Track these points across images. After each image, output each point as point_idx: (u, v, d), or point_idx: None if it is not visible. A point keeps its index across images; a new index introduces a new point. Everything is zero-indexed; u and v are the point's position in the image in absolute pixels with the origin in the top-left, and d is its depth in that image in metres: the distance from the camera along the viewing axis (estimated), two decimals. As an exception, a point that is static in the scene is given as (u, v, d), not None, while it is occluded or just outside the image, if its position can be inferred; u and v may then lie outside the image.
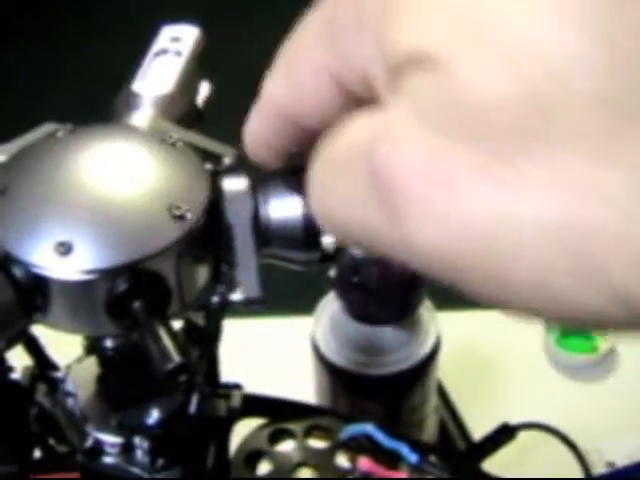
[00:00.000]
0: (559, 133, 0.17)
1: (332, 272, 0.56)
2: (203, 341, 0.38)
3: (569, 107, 0.17)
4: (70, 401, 0.40)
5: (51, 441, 0.42)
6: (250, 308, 0.34)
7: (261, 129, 0.27)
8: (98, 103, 0.40)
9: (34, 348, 0.40)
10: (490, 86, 0.17)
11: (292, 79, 0.25)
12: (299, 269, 0.35)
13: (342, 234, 0.23)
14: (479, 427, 0.66)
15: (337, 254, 0.35)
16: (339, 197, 0.22)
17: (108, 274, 0.31)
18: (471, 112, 0.18)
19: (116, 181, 0.33)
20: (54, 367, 0.41)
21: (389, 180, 0.19)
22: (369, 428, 0.43)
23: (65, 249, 0.31)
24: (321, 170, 0.23)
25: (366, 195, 0.20)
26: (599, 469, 0.68)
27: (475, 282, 0.19)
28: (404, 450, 0.43)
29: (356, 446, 0.44)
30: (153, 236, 0.32)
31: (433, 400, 0.62)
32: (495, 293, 0.19)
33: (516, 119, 0.17)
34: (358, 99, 0.23)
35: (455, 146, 0.18)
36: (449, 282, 0.20)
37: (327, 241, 0.35)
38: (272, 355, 0.75)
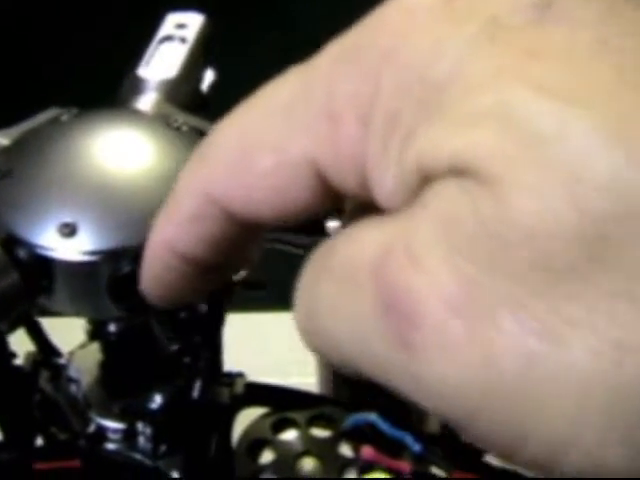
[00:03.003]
0: (613, 280, 0.15)
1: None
2: (205, 328, 0.38)
3: (630, 255, 0.15)
4: (73, 387, 0.40)
5: (53, 429, 0.42)
6: (250, 292, 0.34)
7: (179, 232, 0.23)
8: (104, 90, 0.40)
9: (37, 334, 0.40)
10: (543, 216, 0.15)
11: (246, 165, 0.21)
12: (302, 253, 0.35)
13: (334, 355, 0.20)
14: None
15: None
16: (334, 314, 0.19)
17: (112, 256, 0.31)
18: (517, 241, 0.16)
19: (121, 164, 0.33)
20: (57, 353, 0.41)
21: (404, 303, 0.17)
22: (373, 417, 0.43)
23: (69, 230, 0.31)
24: (313, 281, 0.20)
25: (370, 315, 0.18)
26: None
27: (486, 430, 0.17)
28: (408, 439, 0.43)
29: (359, 435, 0.44)
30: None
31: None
32: (509, 445, 0.17)
33: (567, 258, 0.15)
34: (334, 196, 0.21)
35: (491, 277, 0.16)
36: (457, 425, 0.17)
37: (332, 225, 0.35)
38: (273, 349, 0.75)
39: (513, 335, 0.16)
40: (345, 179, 0.20)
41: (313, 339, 0.20)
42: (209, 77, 0.41)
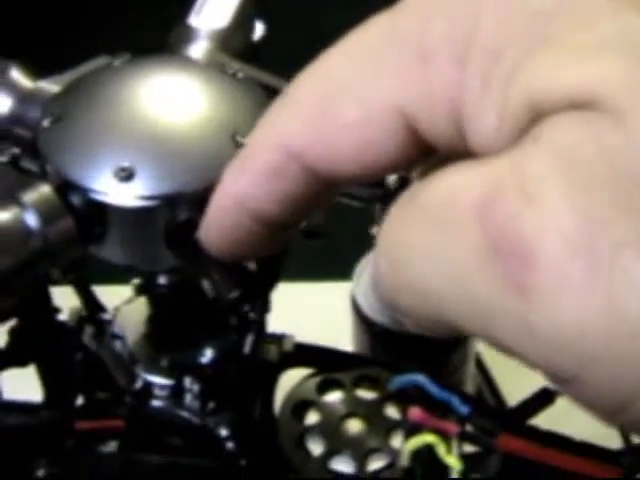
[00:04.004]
0: None
1: (375, 230, 0.56)
2: (262, 275, 0.37)
3: None
4: (117, 344, 0.39)
5: (95, 388, 0.41)
6: (310, 241, 0.33)
7: (252, 187, 0.22)
8: (152, 40, 0.39)
9: (84, 289, 0.40)
10: None
11: (330, 117, 0.20)
12: (361, 205, 0.34)
13: (429, 308, 0.18)
14: (514, 395, 0.65)
15: (399, 191, 0.34)
16: (431, 261, 0.17)
17: (170, 201, 0.30)
18: None
19: (178, 109, 0.32)
20: (102, 309, 0.40)
21: (516, 242, 0.15)
22: (420, 378, 0.43)
23: (126, 175, 0.30)
24: (402, 225, 0.19)
25: (476, 259, 0.16)
26: (640, 437, 0.67)
27: (600, 382, 0.15)
28: (455, 401, 0.42)
29: (406, 397, 0.43)
30: (217, 164, 0.30)
31: (472, 363, 0.61)
32: (623, 399, 0.16)
33: None
34: (422, 148, 0.19)
35: (615, 214, 0.15)
36: (565, 381, 0.16)
37: (391, 178, 0.34)
38: (306, 318, 0.75)
39: None
40: (437, 125, 0.18)
41: (402, 292, 0.18)
42: (259, 28, 0.40)
